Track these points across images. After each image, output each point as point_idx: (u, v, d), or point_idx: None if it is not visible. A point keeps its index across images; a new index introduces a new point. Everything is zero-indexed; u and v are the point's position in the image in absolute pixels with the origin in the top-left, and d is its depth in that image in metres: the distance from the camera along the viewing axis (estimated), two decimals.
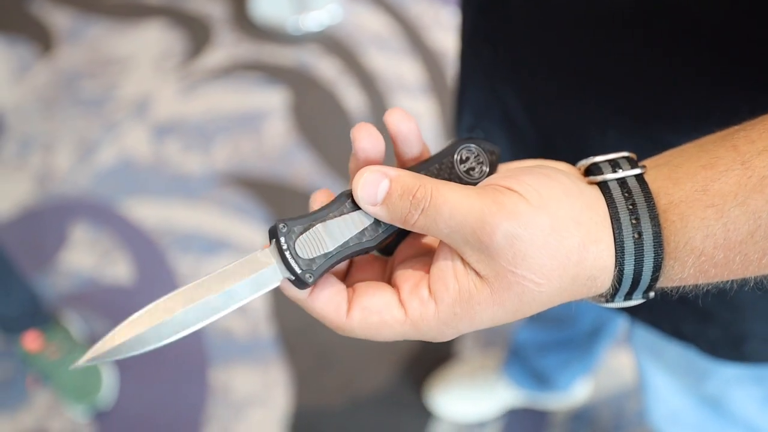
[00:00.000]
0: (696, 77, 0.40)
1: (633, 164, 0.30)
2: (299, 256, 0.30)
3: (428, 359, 1.33)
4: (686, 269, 0.29)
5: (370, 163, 0.32)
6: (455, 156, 0.34)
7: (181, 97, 1.80)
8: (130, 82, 1.85)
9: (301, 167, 1.64)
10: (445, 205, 0.29)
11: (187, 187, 1.61)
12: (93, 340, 1.36)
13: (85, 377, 1.27)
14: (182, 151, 1.69)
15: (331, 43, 1.93)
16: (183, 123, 1.75)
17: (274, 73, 1.85)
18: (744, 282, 0.30)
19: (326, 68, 1.86)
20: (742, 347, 0.54)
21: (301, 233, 0.31)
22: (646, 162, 0.32)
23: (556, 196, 0.29)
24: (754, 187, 0.27)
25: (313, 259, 0.30)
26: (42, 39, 1.97)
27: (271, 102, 1.78)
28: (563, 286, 0.29)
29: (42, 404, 1.29)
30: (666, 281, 0.30)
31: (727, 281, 0.30)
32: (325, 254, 0.31)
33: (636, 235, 0.28)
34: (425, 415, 1.27)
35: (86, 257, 1.49)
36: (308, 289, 0.31)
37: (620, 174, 0.30)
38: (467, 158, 0.34)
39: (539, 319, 1.02)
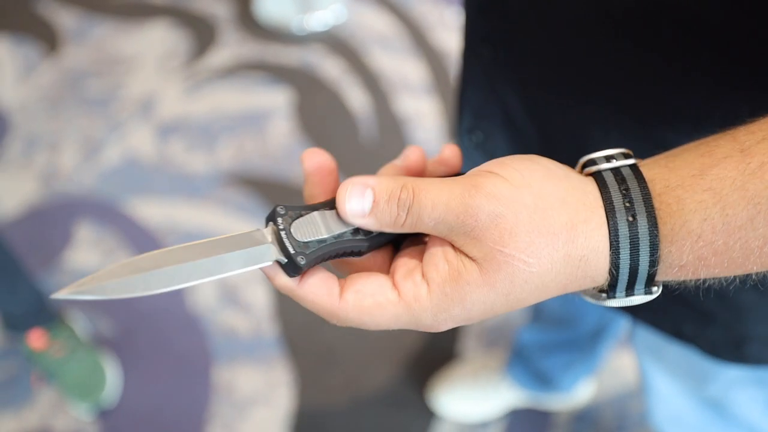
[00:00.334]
0: (697, 77, 0.40)
1: (628, 158, 0.30)
2: (294, 238, 0.30)
3: (431, 359, 1.33)
4: (684, 254, 0.28)
5: (324, 175, 0.33)
6: None
7: (186, 96, 1.81)
8: (135, 82, 1.85)
9: None
10: (426, 199, 0.29)
11: (192, 186, 1.61)
12: (97, 338, 1.37)
13: (89, 375, 1.27)
14: (187, 150, 1.69)
15: (336, 43, 1.93)
16: (187, 122, 1.75)
17: (278, 73, 1.85)
18: (745, 281, 0.30)
19: (330, 68, 1.86)
20: (743, 349, 0.54)
21: (299, 217, 0.31)
22: (645, 161, 0.31)
23: (539, 177, 0.29)
24: (753, 172, 0.27)
25: (307, 243, 0.31)
26: (48, 39, 1.98)
27: (276, 101, 1.79)
28: (555, 267, 0.28)
29: (46, 402, 1.30)
30: (665, 270, 0.29)
31: (728, 279, 0.30)
32: (320, 240, 0.31)
33: (630, 218, 0.28)
34: (428, 414, 1.27)
35: (91, 256, 1.49)
36: (298, 278, 0.31)
37: (614, 164, 0.30)
38: None
39: (542, 320, 1.02)
